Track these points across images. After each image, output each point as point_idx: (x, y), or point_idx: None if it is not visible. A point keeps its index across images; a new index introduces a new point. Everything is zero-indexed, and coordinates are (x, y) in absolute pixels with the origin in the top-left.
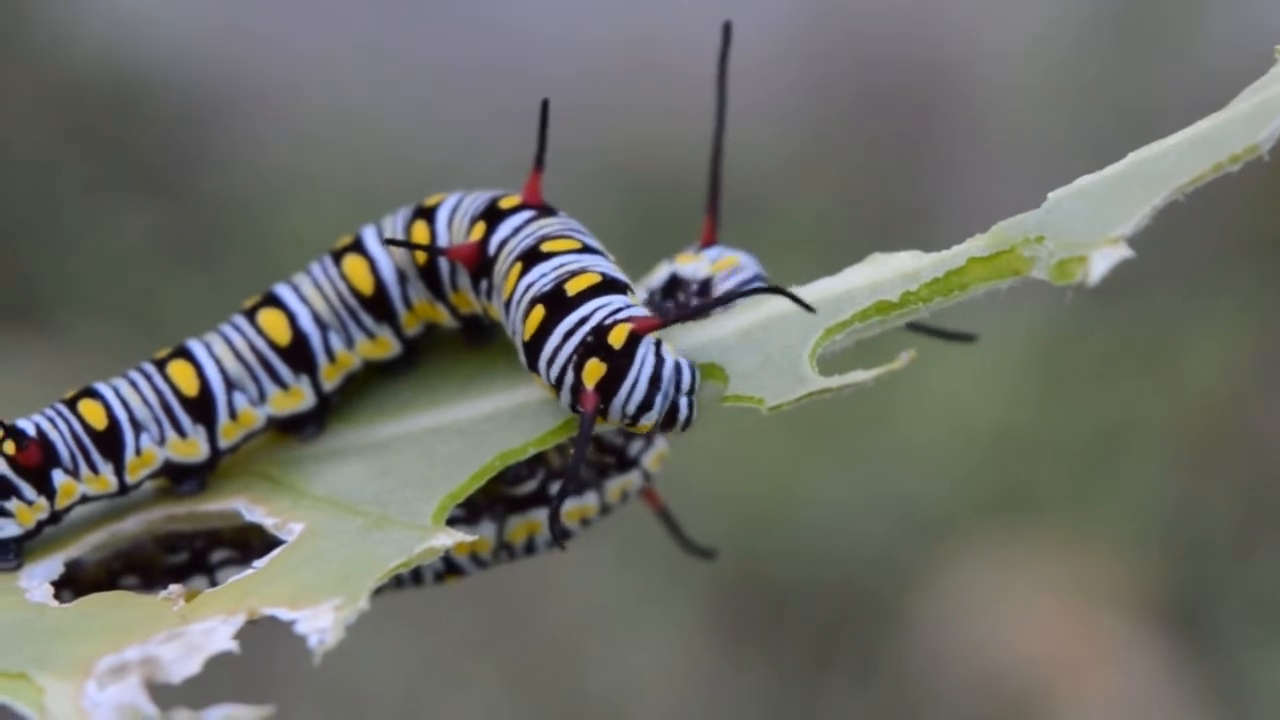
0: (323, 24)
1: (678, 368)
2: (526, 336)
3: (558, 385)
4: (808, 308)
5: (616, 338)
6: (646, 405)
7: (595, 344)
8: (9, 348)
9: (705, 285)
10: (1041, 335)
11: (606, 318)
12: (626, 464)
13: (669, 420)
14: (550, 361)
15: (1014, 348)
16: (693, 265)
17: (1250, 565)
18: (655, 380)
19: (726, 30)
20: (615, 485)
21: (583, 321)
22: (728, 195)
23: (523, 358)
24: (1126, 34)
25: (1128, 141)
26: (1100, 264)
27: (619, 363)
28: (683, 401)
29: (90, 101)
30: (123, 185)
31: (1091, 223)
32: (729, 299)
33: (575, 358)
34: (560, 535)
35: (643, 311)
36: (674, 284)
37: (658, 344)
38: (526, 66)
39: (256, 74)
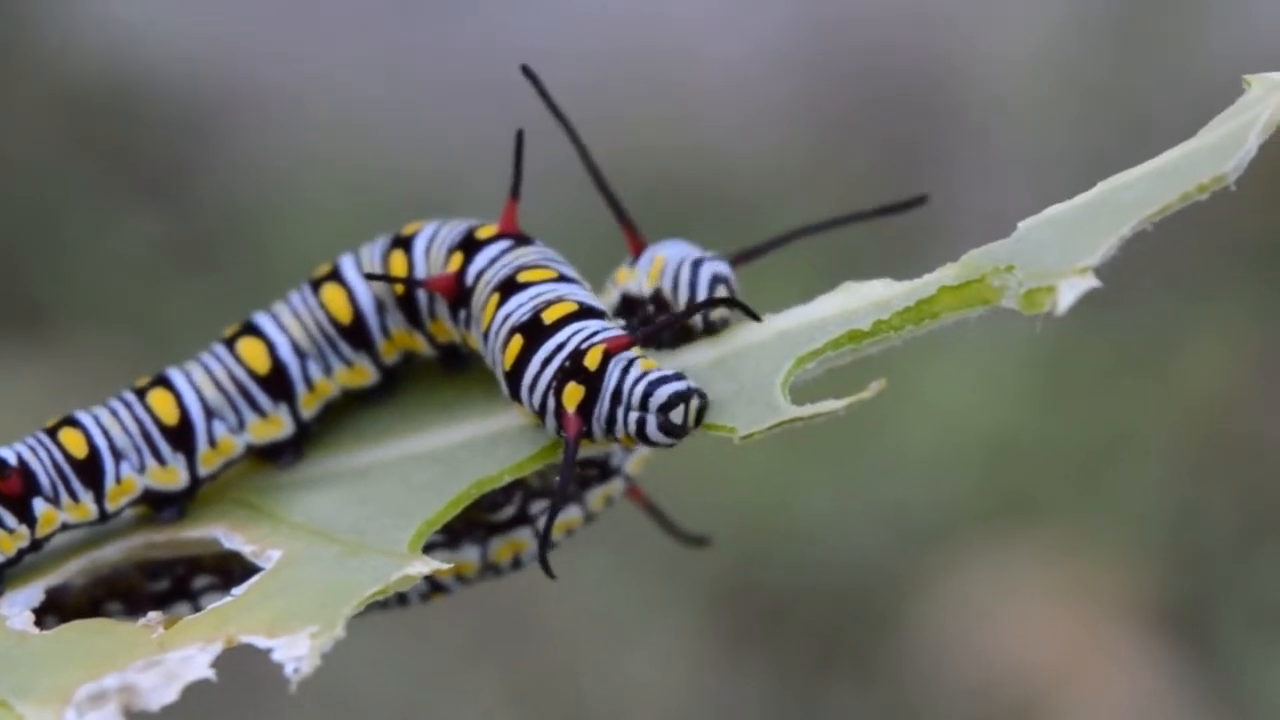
0: (324, 34)
1: (646, 384)
2: (507, 366)
3: (541, 412)
4: (755, 316)
5: (592, 360)
6: (612, 420)
7: (572, 368)
8: (9, 354)
9: (658, 299)
10: (1040, 340)
11: (582, 342)
12: (608, 473)
13: (641, 436)
14: (531, 389)
15: (1012, 353)
16: (635, 281)
17: (1252, 570)
18: (617, 396)
19: (528, 72)
20: (598, 494)
21: (560, 348)
22: (727, 206)
23: (504, 387)
24: (1128, 43)
25: (1129, 150)
26: (1068, 294)
27: (595, 384)
28: (650, 419)
29: (91, 109)
30: (123, 193)
31: (1060, 252)
32: (690, 313)
33: (554, 383)
34: (548, 566)
35: (617, 333)
36: (628, 304)
37: (630, 362)
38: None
39: (257, 82)
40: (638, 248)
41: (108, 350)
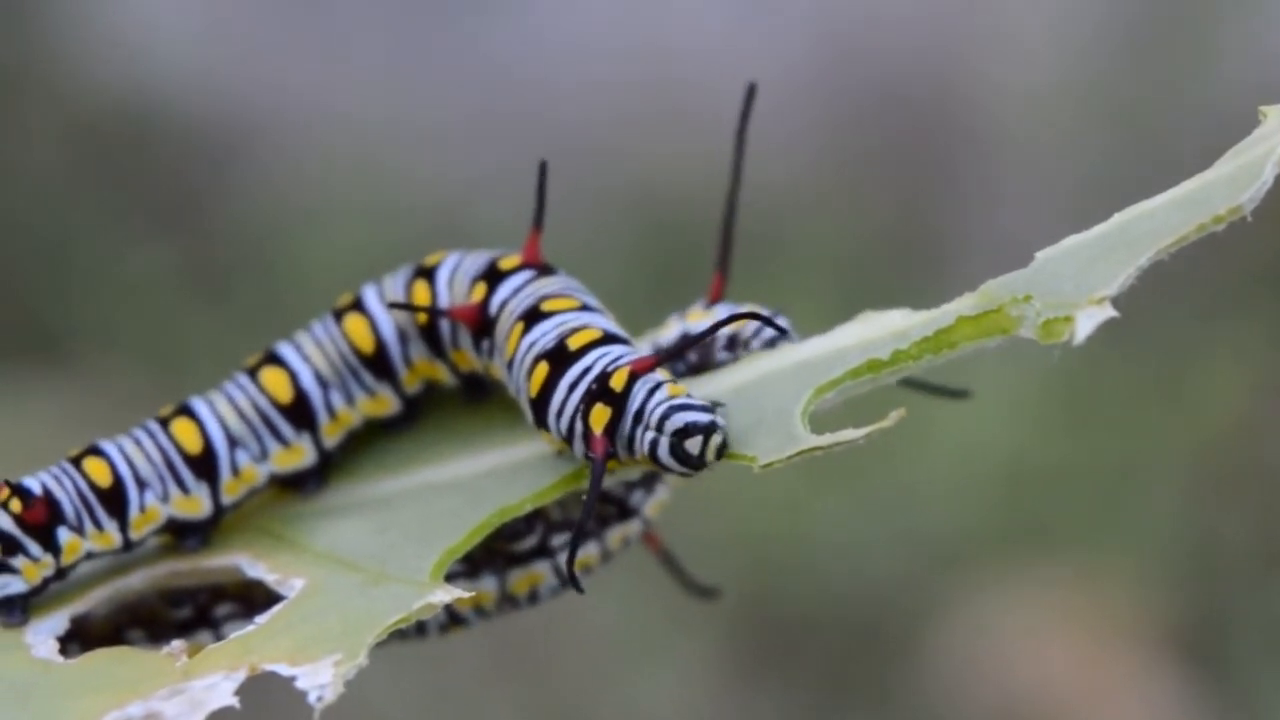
0: (337, 64)
1: (666, 406)
2: (532, 393)
3: (569, 437)
4: (784, 332)
5: (618, 381)
6: (631, 440)
7: (599, 390)
8: (24, 380)
9: (733, 341)
10: (1056, 366)
11: (608, 365)
12: (627, 513)
13: (653, 457)
14: (559, 414)
15: (1029, 379)
16: (706, 322)
17: (1267, 596)
18: (639, 416)
19: (751, 91)
20: (616, 534)
21: (586, 372)
22: (745, 236)
23: (529, 415)
24: (1143, 71)
25: (1145, 177)
26: (1086, 324)
27: (622, 405)
28: (662, 441)
29: (107, 137)
30: (138, 219)
31: (1078, 283)
32: (716, 329)
33: (582, 406)
34: (575, 579)
35: (643, 355)
36: (685, 342)
37: (657, 384)
38: (544, 109)
39: (271, 111)
40: (718, 295)
41: (122, 376)
